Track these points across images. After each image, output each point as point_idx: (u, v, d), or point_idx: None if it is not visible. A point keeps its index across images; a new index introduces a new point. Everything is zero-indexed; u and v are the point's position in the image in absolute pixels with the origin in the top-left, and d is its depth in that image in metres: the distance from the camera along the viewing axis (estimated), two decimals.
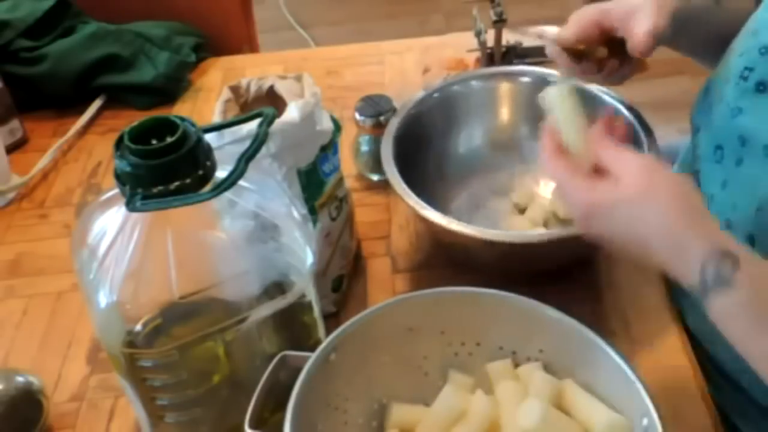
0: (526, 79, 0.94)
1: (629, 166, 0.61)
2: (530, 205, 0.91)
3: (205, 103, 1.16)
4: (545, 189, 0.93)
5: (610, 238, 0.63)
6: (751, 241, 0.72)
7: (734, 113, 0.75)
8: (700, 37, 0.81)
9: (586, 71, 0.77)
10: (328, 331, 0.64)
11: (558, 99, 0.67)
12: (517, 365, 0.67)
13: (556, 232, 0.79)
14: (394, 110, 0.93)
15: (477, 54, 1.14)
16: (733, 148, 0.75)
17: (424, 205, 0.79)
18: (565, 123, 0.66)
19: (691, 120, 0.85)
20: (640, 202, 0.60)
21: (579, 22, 0.76)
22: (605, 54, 0.77)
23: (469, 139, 0.96)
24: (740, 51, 0.76)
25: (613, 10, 0.75)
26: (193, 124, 0.59)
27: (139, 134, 0.57)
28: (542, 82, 0.93)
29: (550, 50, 0.77)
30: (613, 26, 0.75)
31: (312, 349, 0.62)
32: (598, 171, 0.63)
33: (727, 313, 0.58)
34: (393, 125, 0.88)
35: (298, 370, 0.61)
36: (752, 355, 0.58)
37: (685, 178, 0.62)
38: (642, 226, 0.59)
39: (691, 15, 0.78)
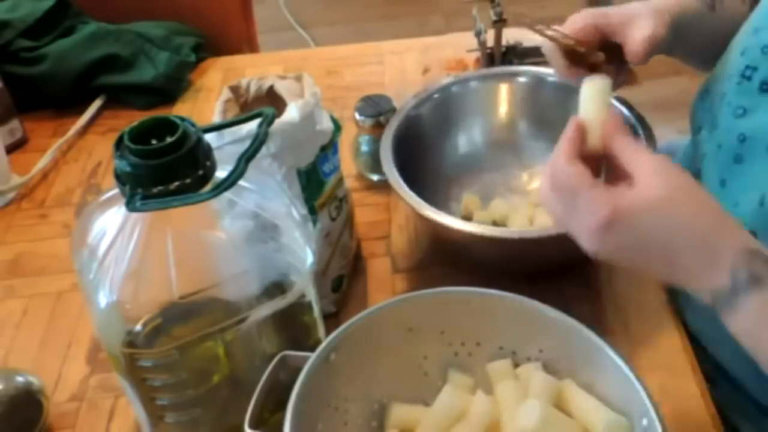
0: (524, 79, 0.94)
1: (645, 168, 0.58)
2: (530, 202, 0.91)
3: (205, 103, 1.16)
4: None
5: (631, 246, 0.57)
6: (754, 237, 0.72)
7: (737, 113, 0.74)
8: (696, 44, 0.82)
9: (579, 75, 0.76)
10: (328, 331, 0.64)
11: (590, 93, 0.64)
12: (517, 365, 0.67)
13: (555, 228, 0.79)
14: (394, 110, 0.94)
15: (477, 54, 1.14)
16: (731, 145, 0.75)
17: (423, 203, 0.79)
18: (591, 117, 0.63)
19: (691, 119, 0.85)
20: (663, 205, 0.56)
21: (579, 23, 0.76)
22: (602, 59, 0.76)
23: (469, 139, 0.96)
24: (741, 49, 0.75)
25: (613, 15, 0.75)
26: (193, 124, 0.59)
27: (139, 134, 0.57)
28: (541, 82, 0.94)
29: (547, 48, 0.77)
30: (612, 31, 0.75)
31: (312, 349, 0.62)
32: (608, 170, 0.61)
33: (761, 315, 0.54)
34: (392, 125, 0.88)
35: (298, 370, 0.61)
36: None
37: (699, 184, 0.60)
38: (667, 230, 0.56)
39: (687, 23, 0.78)
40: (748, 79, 0.74)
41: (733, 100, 0.75)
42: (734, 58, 0.76)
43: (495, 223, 0.89)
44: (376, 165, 0.95)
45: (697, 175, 0.82)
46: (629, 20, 0.74)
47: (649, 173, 0.57)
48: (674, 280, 0.59)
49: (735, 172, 0.74)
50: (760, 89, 0.72)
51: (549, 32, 0.75)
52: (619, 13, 0.75)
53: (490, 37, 1.10)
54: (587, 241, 0.58)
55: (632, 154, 0.59)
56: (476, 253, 0.83)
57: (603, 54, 0.76)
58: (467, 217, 0.90)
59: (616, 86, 0.79)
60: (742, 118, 0.74)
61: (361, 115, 0.95)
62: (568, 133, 0.62)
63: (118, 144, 0.58)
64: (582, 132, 0.62)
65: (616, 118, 0.62)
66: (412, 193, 0.80)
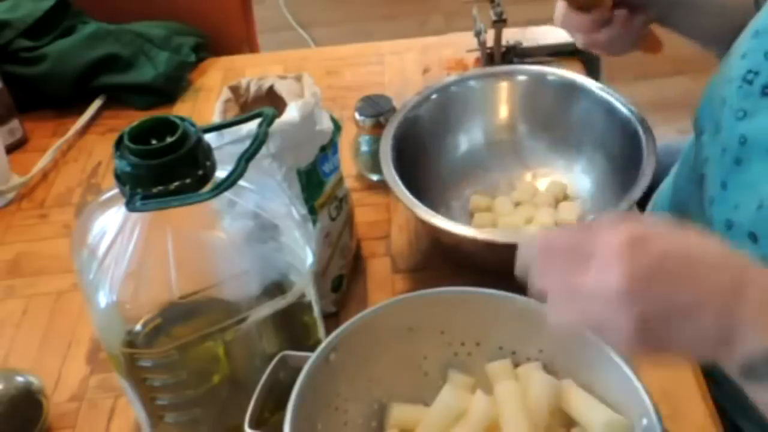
0: (524, 79, 0.94)
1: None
2: (530, 202, 0.91)
3: (205, 103, 1.16)
4: (544, 186, 0.93)
5: (660, 262, 0.47)
6: (754, 239, 0.72)
7: (739, 116, 0.74)
8: (699, 20, 0.81)
9: (596, 25, 0.74)
10: (328, 331, 0.64)
11: None
12: (516, 365, 0.67)
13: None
14: (393, 110, 0.94)
15: (477, 54, 1.14)
16: (732, 148, 0.75)
17: (422, 206, 0.79)
18: None
19: (694, 123, 0.85)
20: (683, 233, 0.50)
21: None
22: (610, 3, 0.75)
23: (469, 138, 0.96)
24: (742, 52, 0.75)
25: None
26: (193, 124, 0.59)
27: (139, 134, 0.57)
28: (541, 82, 0.94)
29: (558, 13, 0.76)
30: None
31: (312, 349, 0.62)
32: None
33: None
34: (392, 126, 0.88)
35: (298, 370, 0.61)
36: None
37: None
38: (691, 242, 0.49)
39: None
40: (750, 83, 0.74)
41: (734, 104, 0.75)
42: (735, 61, 0.76)
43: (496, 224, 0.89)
44: (376, 165, 0.95)
45: (700, 179, 0.82)
46: None
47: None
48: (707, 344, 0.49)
49: (735, 174, 0.74)
50: (762, 93, 0.72)
51: None
52: None
53: (490, 37, 1.10)
54: (615, 279, 0.47)
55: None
56: (474, 256, 0.83)
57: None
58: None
59: (632, 45, 0.78)
60: (743, 120, 0.74)
61: (361, 115, 0.95)
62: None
63: (118, 144, 0.58)
64: None
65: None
66: (409, 195, 0.80)
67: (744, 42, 0.76)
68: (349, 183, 0.90)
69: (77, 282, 0.63)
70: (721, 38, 0.81)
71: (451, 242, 0.82)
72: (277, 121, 0.70)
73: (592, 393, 0.63)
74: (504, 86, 0.95)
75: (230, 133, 0.68)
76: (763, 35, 0.73)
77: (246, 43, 1.44)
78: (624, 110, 0.86)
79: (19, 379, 0.74)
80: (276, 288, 0.64)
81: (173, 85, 1.18)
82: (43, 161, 1.06)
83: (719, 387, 0.79)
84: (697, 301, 0.47)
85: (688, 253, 0.48)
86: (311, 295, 0.67)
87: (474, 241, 0.77)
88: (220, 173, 0.59)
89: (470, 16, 1.10)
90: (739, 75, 0.75)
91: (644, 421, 0.57)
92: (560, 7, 0.76)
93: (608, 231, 0.49)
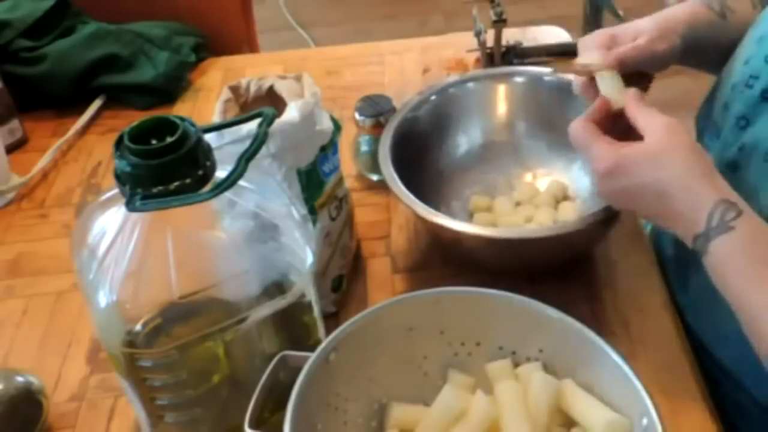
0: (523, 80, 0.94)
1: (655, 125, 0.67)
2: (530, 202, 0.91)
3: (205, 103, 1.16)
4: (544, 186, 0.93)
5: (631, 190, 0.67)
6: None
7: (740, 124, 0.75)
8: (708, 54, 0.82)
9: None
10: (328, 331, 0.64)
11: (607, 79, 0.73)
12: (517, 365, 0.67)
13: (555, 228, 0.79)
14: (393, 110, 0.94)
15: (477, 54, 1.14)
16: (731, 153, 0.75)
17: (421, 203, 0.79)
18: (613, 90, 0.72)
19: (696, 124, 0.85)
20: (663, 153, 0.66)
21: (593, 48, 0.75)
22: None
23: (468, 139, 0.96)
24: (745, 58, 0.75)
25: (622, 35, 0.75)
26: (193, 124, 0.59)
27: (139, 134, 0.57)
28: (539, 82, 0.94)
29: (577, 85, 0.77)
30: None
31: (312, 349, 0.62)
32: (629, 131, 0.69)
33: (726, 258, 0.63)
34: (392, 125, 0.88)
35: (298, 370, 0.61)
36: (744, 305, 0.62)
37: (697, 144, 0.67)
38: (664, 174, 0.65)
39: (699, 35, 0.78)
40: (750, 87, 0.74)
41: (736, 110, 0.75)
42: (738, 67, 0.76)
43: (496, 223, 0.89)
44: (376, 165, 0.95)
45: None
46: (635, 37, 0.75)
47: (656, 130, 0.67)
48: (666, 225, 0.68)
49: (732, 181, 0.74)
50: (761, 97, 0.73)
51: (578, 67, 0.76)
52: (628, 32, 0.76)
53: (490, 37, 1.10)
54: (596, 185, 0.70)
55: (646, 116, 0.69)
56: (475, 253, 0.83)
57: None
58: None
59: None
60: (745, 129, 0.74)
61: (361, 115, 0.95)
62: (593, 105, 0.72)
63: (118, 144, 0.58)
64: (603, 104, 0.72)
65: (635, 92, 0.71)
66: (408, 193, 0.80)
67: (748, 48, 0.76)
68: (349, 183, 0.90)
69: (77, 282, 0.63)
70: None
71: (452, 240, 0.82)
72: (277, 121, 0.70)
73: (592, 393, 0.63)
74: (503, 87, 0.95)
75: (230, 133, 0.68)
76: (765, 40, 0.74)
77: (246, 43, 1.44)
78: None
79: (19, 379, 0.74)
80: (276, 288, 0.64)
81: (173, 85, 1.18)
82: (43, 161, 1.06)
83: (719, 387, 0.79)
84: (641, 211, 0.72)
85: (644, 189, 0.66)
86: (311, 295, 0.67)
87: (474, 238, 0.77)
88: (220, 173, 0.59)
89: (470, 16, 1.10)
90: (741, 80, 0.75)
91: (644, 421, 0.57)
92: (583, 86, 0.77)
93: (599, 154, 0.68)
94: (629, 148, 0.67)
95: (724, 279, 0.63)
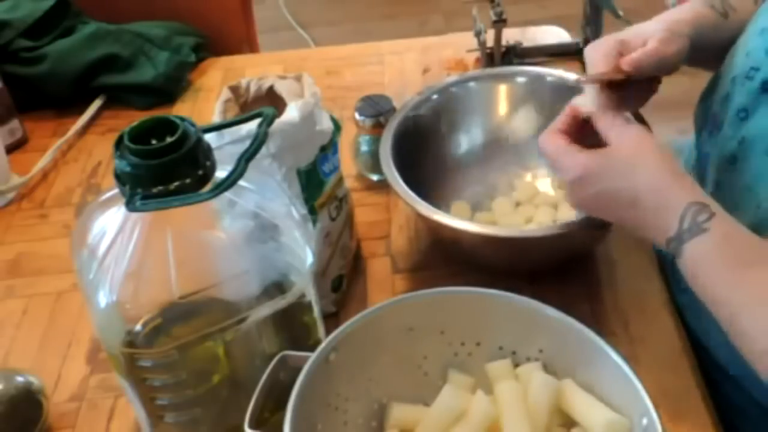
0: (523, 80, 0.94)
1: (623, 134, 0.68)
2: (530, 202, 0.91)
3: (205, 103, 1.16)
4: (544, 186, 0.93)
5: (602, 197, 0.68)
6: None
7: (741, 116, 0.74)
8: (713, 53, 0.82)
9: (626, 99, 0.74)
10: (328, 331, 0.64)
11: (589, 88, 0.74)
12: (517, 365, 0.67)
13: (555, 227, 0.79)
14: (393, 110, 0.94)
15: (477, 54, 1.14)
16: (731, 146, 0.75)
17: (423, 202, 0.79)
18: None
19: (695, 118, 0.85)
20: (631, 160, 0.67)
21: (604, 56, 0.74)
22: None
23: (469, 138, 0.96)
24: (746, 50, 0.75)
25: (631, 40, 0.75)
26: (192, 124, 0.59)
27: (139, 134, 0.57)
28: (539, 82, 0.94)
29: (589, 96, 0.76)
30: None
31: (312, 349, 0.62)
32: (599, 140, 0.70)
33: (701, 260, 0.63)
34: (392, 125, 0.88)
35: (298, 370, 0.61)
36: (723, 305, 0.63)
37: (668, 148, 0.68)
38: (632, 180, 0.66)
39: (703, 36, 0.78)
40: (751, 79, 0.74)
41: (736, 102, 0.75)
42: (740, 59, 0.76)
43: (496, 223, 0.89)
44: (376, 165, 0.95)
45: (700, 177, 0.82)
46: (645, 43, 0.74)
47: (624, 140, 0.68)
48: (639, 231, 0.69)
49: (731, 174, 0.74)
50: (761, 89, 0.73)
51: (587, 78, 0.75)
52: (636, 37, 0.75)
53: (490, 37, 1.10)
54: (568, 194, 0.72)
55: (612, 126, 0.70)
56: (476, 253, 0.83)
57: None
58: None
59: (643, 101, 0.78)
60: (745, 121, 0.74)
61: (361, 115, 0.95)
62: (560, 115, 0.74)
63: (118, 144, 0.58)
64: (570, 113, 0.73)
65: (607, 98, 0.71)
66: (410, 192, 0.80)
67: (750, 39, 0.76)
68: (349, 183, 0.90)
69: (77, 282, 0.63)
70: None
71: (452, 238, 0.82)
72: (277, 121, 0.70)
73: (592, 393, 0.63)
74: (503, 87, 0.95)
75: (230, 133, 0.68)
76: (767, 32, 0.74)
77: (246, 43, 1.44)
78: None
79: (19, 379, 0.74)
80: (276, 288, 0.64)
81: (173, 85, 1.18)
82: (43, 161, 1.06)
83: (719, 387, 0.79)
84: (613, 218, 0.72)
85: (615, 195, 0.67)
86: (311, 295, 0.67)
87: (475, 237, 0.77)
88: (220, 173, 0.59)
89: (470, 16, 1.10)
90: (742, 72, 0.75)
91: (644, 421, 0.57)
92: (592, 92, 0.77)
93: (568, 164, 0.69)
94: (598, 155, 0.68)
95: (700, 280, 0.64)
